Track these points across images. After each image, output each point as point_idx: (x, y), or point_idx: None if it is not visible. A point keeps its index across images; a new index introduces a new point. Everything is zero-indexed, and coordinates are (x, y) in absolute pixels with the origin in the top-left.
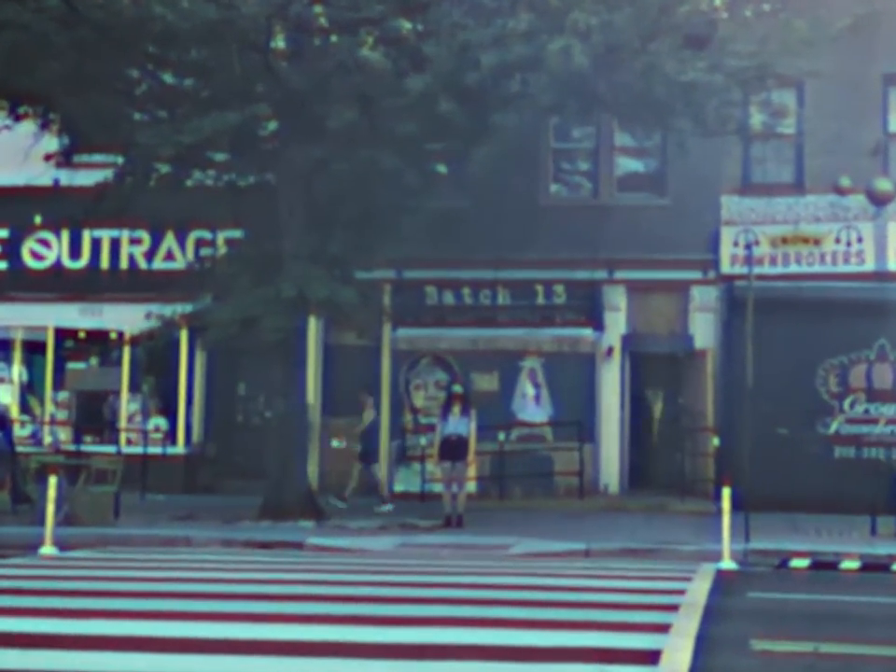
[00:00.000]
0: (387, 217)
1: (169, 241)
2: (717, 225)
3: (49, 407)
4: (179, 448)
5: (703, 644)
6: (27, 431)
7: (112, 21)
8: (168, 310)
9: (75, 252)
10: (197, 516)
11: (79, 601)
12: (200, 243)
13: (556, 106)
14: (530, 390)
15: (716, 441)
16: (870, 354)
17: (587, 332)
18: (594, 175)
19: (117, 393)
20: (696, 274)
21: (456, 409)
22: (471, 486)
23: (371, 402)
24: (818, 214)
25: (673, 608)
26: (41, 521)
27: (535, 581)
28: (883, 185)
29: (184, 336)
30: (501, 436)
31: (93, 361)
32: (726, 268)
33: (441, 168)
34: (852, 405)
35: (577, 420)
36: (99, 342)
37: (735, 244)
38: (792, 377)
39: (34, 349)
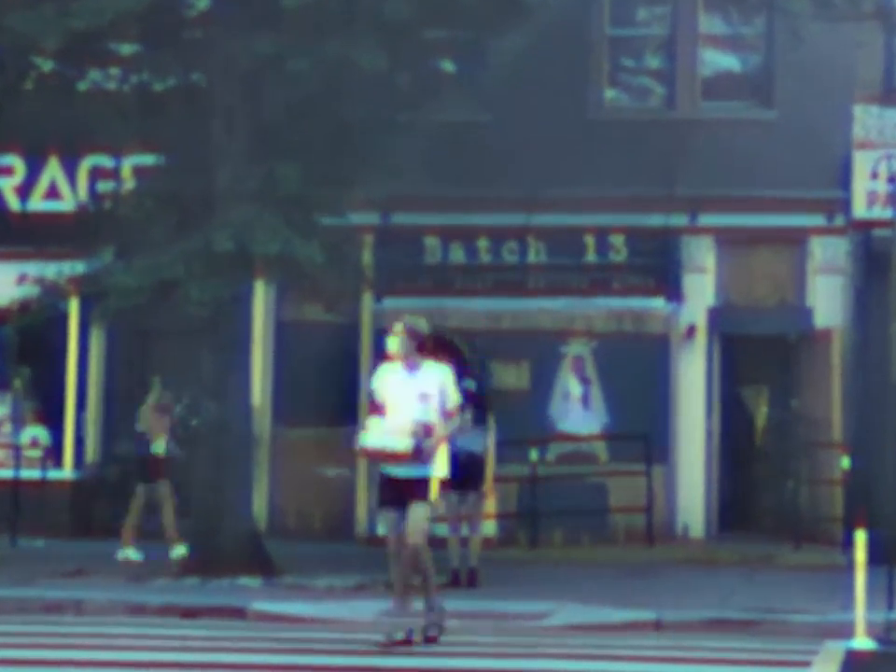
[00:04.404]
0: (369, 138)
1: (53, 170)
2: (847, 148)
3: None
4: (67, 471)
5: None
6: None
7: None
8: (51, 270)
9: None
10: (92, 570)
11: None
12: (97, 173)
13: None
14: (576, 388)
15: (846, 463)
16: None
17: (658, 304)
18: (668, 76)
19: None
20: (817, 220)
21: (468, 415)
22: (489, 528)
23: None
24: None
25: None
26: None
27: (581, 667)
28: None
29: (74, 308)
30: (534, 454)
31: None
32: (860, 211)
33: (448, 66)
34: None
35: (643, 432)
36: None
37: (874, 175)
38: None
39: None
